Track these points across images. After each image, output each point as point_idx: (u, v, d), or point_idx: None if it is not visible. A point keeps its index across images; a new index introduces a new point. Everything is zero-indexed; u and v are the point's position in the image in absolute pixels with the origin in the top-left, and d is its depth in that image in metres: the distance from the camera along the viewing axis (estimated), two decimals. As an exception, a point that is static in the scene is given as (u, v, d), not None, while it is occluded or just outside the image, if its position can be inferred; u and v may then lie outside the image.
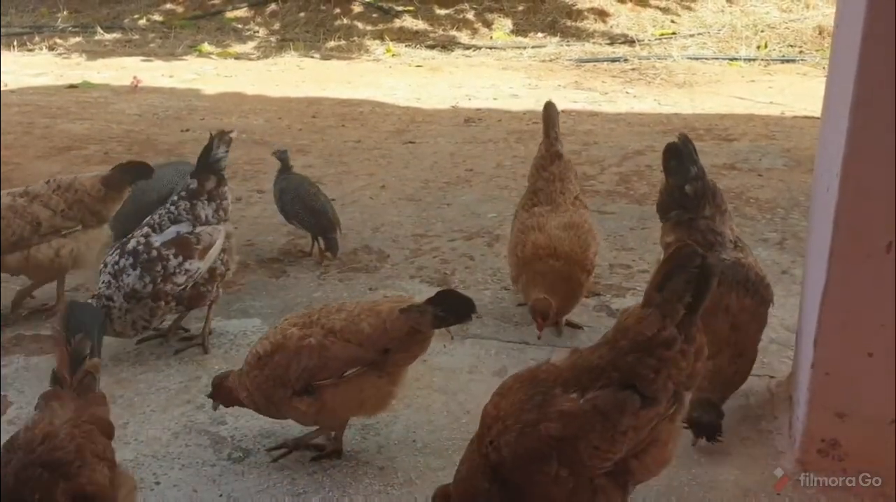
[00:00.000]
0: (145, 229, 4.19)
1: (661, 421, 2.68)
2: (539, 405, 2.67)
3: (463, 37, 12.48)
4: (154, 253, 4.06)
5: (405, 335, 3.17)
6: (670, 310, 2.65)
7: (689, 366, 2.68)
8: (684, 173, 3.77)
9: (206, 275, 4.19)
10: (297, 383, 3.20)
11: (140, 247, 4.08)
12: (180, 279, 4.10)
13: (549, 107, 4.78)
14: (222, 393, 3.41)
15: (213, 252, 4.21)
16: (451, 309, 3.13)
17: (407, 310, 3.17)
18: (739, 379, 3.49)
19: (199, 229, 4.21)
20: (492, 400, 2.84)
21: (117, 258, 4.08)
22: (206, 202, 4.27)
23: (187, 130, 8.29)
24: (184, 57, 11.80)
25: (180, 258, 4.10)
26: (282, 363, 3.21)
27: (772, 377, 3.90)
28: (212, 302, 4.32)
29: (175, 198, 4.29)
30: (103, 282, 4.05)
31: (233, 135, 4.37)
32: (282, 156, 5.53)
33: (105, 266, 4.11)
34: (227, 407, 3.48)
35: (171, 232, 4.17)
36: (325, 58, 11.70)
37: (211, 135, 4.33)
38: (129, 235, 4.22)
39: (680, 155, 3.80)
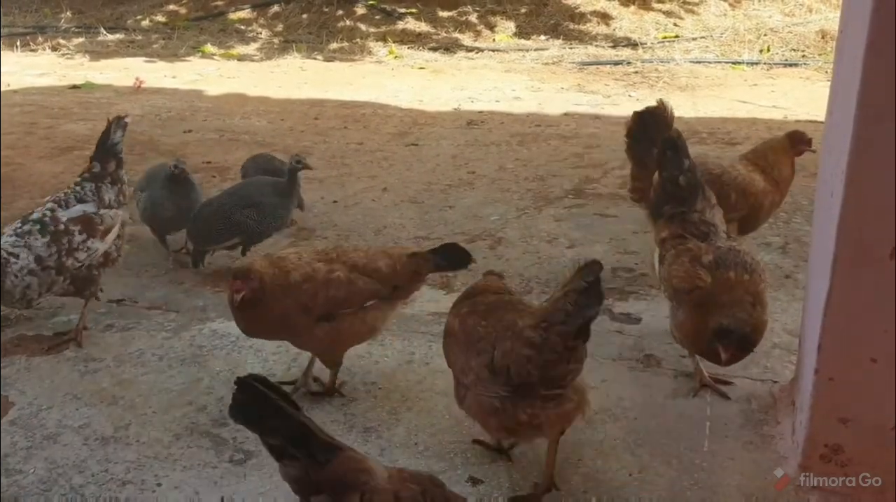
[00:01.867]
0: (50, 204, 4.27)
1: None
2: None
3: (466, 39, 12.48)
4: (61, 226, 4.15)
5: (410, 276, 3.74)
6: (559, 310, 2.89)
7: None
8: (679, 164, 3.93)
9: (100, 258, 4.30)
10: (322, 309, 3.57)
11: (47, 219, 4.15)
12: (81, 256, 4.19)
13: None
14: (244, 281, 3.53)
15: (112, 236, 4.36)
16: (450, 258, 3.79)
17: (413, 255, 3.78)
18: (764, 327, 3.59)
19: (102, 211, 4.35)
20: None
21: (20, 223, 4.14)
22: (109, 185, 4.44)
23: (190, 131, 8.30)
24: (186, 58, 11.81)
25: (84, 235, 4.20)
26: (310, 292, 3.55)
27: (775, 382, 3.89)
28: (91, 294, 4.38)
29: (79, 179, 4.43)
30: (8, 238, 4.03)
31: (128, 120, 4.61)
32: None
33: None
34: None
35: (77, 209, 4.28)
36: (327, 59, 11.71)
37: (108, 120, 4.54)
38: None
39: (676, 146, 3.97)
